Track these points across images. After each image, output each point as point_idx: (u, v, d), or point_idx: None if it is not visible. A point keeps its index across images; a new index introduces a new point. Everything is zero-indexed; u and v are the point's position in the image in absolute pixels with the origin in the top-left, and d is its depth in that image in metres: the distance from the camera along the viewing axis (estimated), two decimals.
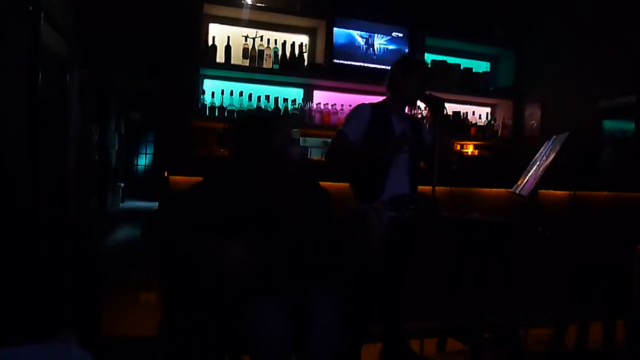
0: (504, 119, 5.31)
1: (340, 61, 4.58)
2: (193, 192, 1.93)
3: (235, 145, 2.03)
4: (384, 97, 2.81)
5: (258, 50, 4.42)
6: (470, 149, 5.21)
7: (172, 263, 1.88)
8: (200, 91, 4.29)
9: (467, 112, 5.21)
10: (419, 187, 2.80)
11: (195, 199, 1.89)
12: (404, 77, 2.70)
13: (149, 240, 1.87)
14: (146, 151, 12.78)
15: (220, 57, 4.32)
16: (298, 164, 2.07)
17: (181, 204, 1.90)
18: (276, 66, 4.46)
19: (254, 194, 1.94)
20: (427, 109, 4.75)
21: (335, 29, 4.55)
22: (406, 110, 2.96)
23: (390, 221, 1.84)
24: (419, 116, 4.79)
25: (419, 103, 3.05)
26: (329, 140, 4.62)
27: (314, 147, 4.64)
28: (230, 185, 1.93)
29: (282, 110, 4.43)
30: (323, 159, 4.61)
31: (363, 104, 2.80)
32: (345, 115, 4.57)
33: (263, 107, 4.36)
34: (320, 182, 2.14)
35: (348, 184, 2.80)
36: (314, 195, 2.07)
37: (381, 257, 2.60)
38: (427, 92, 2.69)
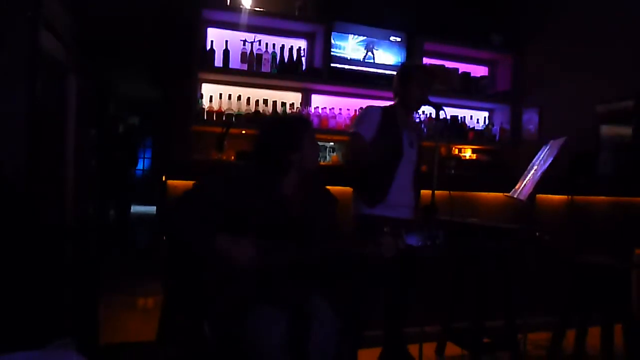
0: (502, 123, 5.32)
1: (339, 66, 4.59)
2: (212, 187, 1.92)
3: (262, 148, 2.02)
4: (393, 102, 2.84)
5: (256, 54, 4.42)
6: (468, 153, 5.22)
7: (181, 257, 1.89)
8: (199, 95, 4.29)
9: (465, 117, 5.23)
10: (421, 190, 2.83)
11: (213, 196, 1.88)
12: (404, 86, 2.75)
13: (166, 228, 1.88)
14: (144, 156, 12.77)
15: (218, 62, 4.32)
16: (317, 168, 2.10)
17: (200, 197, 1.89)
18: (274, 70, 4.47)
19: (274, 198, 1.94)
20: (424, 112, 4.81)
21: (333, 33, 4.56)
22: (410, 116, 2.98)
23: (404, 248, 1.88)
24: (417, 120, 4.81)
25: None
26: (327, 144, 4.70)
27: None
28: (249, 187, 1.93)
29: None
30: (329, 163, 4.62)
31: (373, 106, 2.84)
32: (346, 118, 4.64)
33: (261, 111, 4.37)
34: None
35: (349, 187, 2.81)
36: (325, 202, 2.08)
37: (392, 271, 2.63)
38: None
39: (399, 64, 4.67)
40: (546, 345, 2.95)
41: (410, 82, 2.73)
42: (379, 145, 2.66)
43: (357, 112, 4.64)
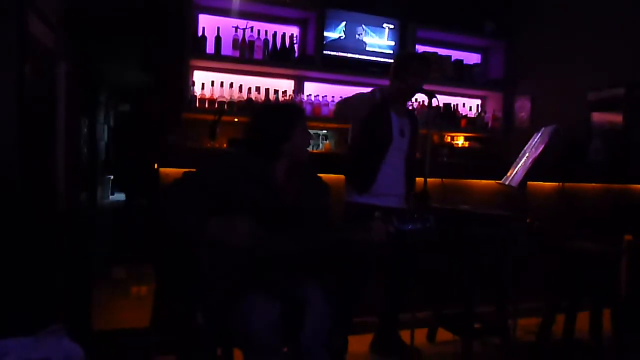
0: (494, 111, 5.34)
1: (331, 53, 4.56)
2: (203, 173, 1.91)
3: (254, 136, 2.01)
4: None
5: (248, 41, 4.39)
6: (460, 141, 5.24)
7: (173, 243, 1.88)
8: (190, 83, 4.26)
9: (457, 104, 5.23)
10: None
11: (204, 182, 1.88)
12: (401, 75, 2.74)
13: (156, 213, 1.88)
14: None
15: (210, 49, 4.29)
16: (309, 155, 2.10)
17: (191, 183, 1.88)
18: (267, 58, 4.44)
19: (267, 186, 1.94)
20: (417, 100, 4.81)
21: (326, 20, 4.53)
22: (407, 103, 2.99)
23: (395, 233, 1.90)
24: (410, 107, 4.81)
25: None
26: (320, 132, 4.70)
27: None
28: (241, 174, 1.92)
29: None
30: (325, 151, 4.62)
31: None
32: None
33: (253, 99, 4.35)
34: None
35: (342, 175, 2.82)
36: (317, 190, 2.09)
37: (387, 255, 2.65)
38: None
39: (392, 51, 4.67)
40: (536, 330, 2.98)
41: (408, 72, 2.72)
42: (368, 132, 2.68)
43: None
